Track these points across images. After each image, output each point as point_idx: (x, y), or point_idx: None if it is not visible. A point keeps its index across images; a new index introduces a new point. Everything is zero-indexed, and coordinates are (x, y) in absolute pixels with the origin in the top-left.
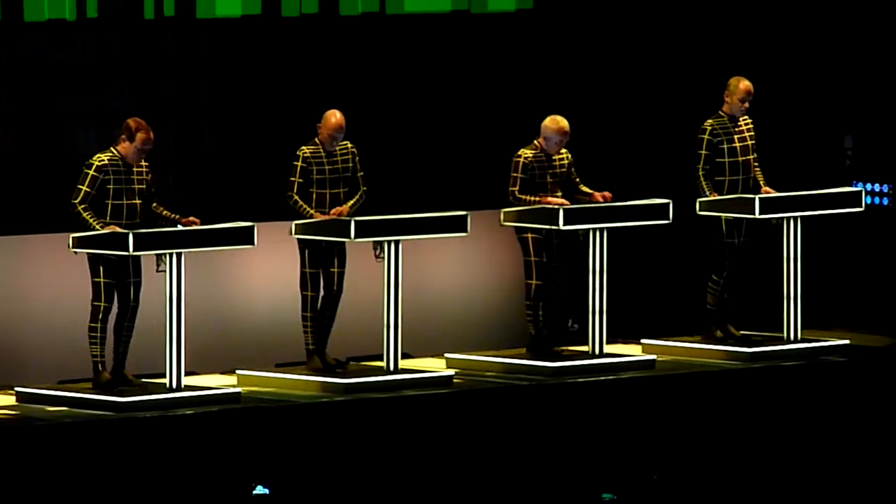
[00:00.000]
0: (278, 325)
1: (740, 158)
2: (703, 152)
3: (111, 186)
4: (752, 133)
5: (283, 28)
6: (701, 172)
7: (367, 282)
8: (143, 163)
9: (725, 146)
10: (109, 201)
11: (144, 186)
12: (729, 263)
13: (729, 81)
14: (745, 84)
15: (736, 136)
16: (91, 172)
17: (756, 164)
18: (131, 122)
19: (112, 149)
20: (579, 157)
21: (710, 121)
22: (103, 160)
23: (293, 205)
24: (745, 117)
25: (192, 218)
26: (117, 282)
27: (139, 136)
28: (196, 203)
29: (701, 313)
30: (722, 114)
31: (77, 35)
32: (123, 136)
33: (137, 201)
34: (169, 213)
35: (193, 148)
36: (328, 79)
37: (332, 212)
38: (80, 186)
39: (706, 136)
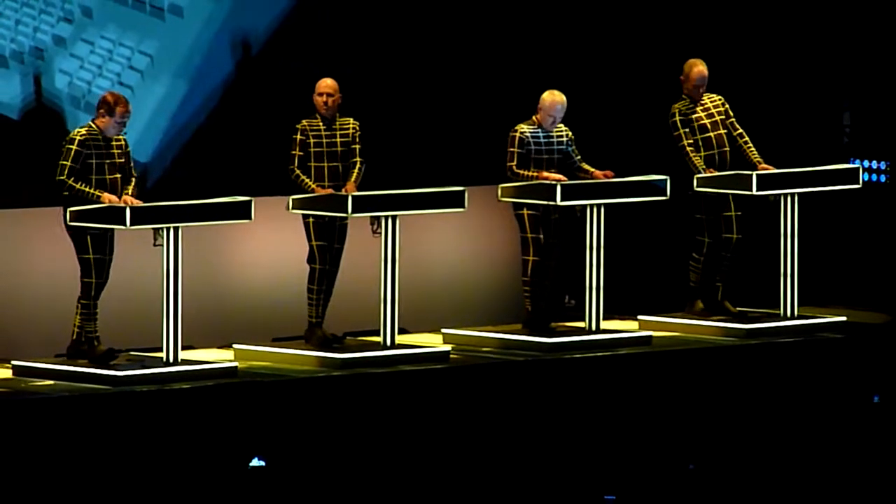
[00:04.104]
0: (275, 299)
1: (711, 133)
2: (681, 130)
3: (93, 161)
4: (722, 109)
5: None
6: (688, 149)
7: (364, 257)
8: (122, 137)
9: (695, 124)
10: (93, 176)
11: (124, 161)
12: (708, 240)
13: (684, 66)
14: (697, 70)
15: (703, 114)
16: (74, 147)
17: (748, 143)
18: (108, 96)
19: (90, 123)
20: (577, 132)
21: (675, 105)
22: (83, 133)
23: (294, 178)
24: (711, 95)
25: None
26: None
27: (118, 109)
28: (193, 178)
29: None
30: (684, 97)
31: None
32: (102, 111)
33: (118, 175)
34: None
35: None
36: (326, 54)
37: (343, 190)
38: (65, 162)
39: (677, 118)
